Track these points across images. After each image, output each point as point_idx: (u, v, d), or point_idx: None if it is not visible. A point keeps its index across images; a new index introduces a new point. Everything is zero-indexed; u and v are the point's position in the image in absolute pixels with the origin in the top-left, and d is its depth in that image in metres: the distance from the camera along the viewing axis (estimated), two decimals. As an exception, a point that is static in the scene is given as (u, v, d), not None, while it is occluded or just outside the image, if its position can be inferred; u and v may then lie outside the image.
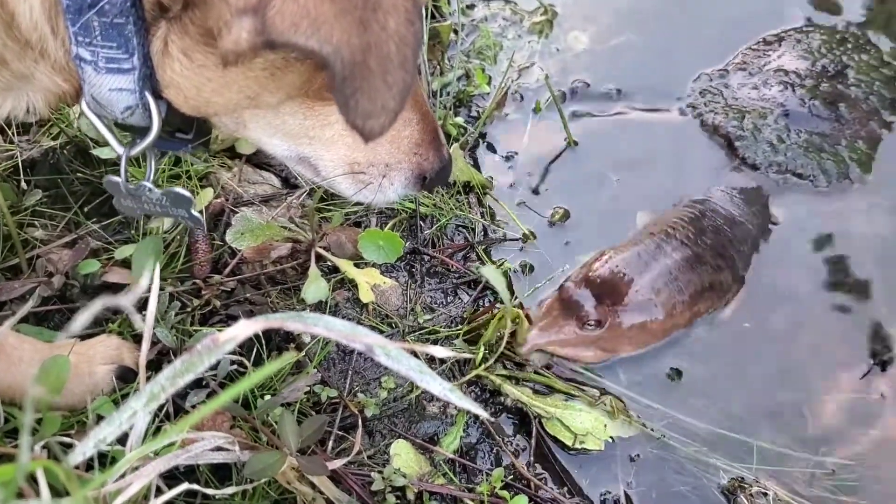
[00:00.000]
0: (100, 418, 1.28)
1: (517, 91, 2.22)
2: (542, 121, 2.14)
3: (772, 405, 1.65)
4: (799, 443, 1.59)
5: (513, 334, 1.59)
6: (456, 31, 2.34)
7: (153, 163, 1.19)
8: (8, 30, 0.92)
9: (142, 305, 1.41)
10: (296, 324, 0.78)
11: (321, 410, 1.50)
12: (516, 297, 1.72)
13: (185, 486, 1.05)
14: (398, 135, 1.24)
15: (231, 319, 1.56)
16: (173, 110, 1.03)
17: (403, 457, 1.45)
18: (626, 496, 1.51)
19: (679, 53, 2.32)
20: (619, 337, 1.63)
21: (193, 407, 1.39)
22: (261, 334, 1.52)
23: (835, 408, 1.65)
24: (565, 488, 1.50)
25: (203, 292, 1.57)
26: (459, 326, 1.68)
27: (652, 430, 1.57)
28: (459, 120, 2.09)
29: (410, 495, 1.40)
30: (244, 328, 0.74)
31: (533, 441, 1.55)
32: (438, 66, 2.21)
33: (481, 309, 1.70)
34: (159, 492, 1.08)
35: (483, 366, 1.58)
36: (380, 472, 1.41)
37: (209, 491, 1.17)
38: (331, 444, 1.46)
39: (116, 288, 1.53)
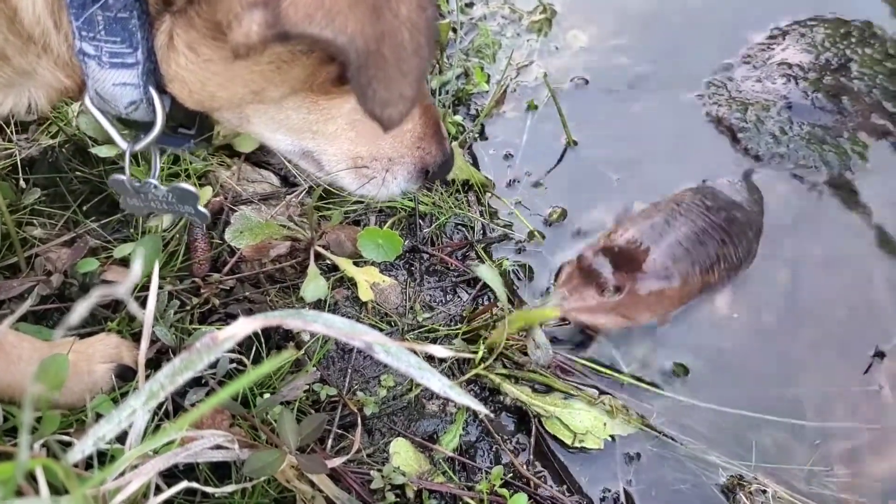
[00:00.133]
0: (99, 416, 1.28)
1: (516, 89, 2.22)
2: (542, 119, 2.14)
3: (771, 402, 1.65)
4: (798, 440, 1.59)
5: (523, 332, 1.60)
6: (455, 30, 2.34)
7: (157, 160, 1.18)
8: (10, 25, 0.91)
9: (141, 304, 1.41)
10: (295, 321, 0.78)
11: (320, 409, 1.50)
12: (516, 297, 1.72)
13: (184, 484, 1.05)
14: (401, 129, 1.23)
15: (230, 318, 1.56)
16: (177, 105, 1.02)
17: (403, 455, 1.45)
18: (626, 494, 1.51)
19: (679, 51, 2.32)
20: (638, 303, 1.66)
21: (193, 405, 1.39)
22: (260, 333, 1.52)
23: (834, 404, 1.65)
24: (565, 486, 1.50)
25: (202, 291, 1.57)
26: (459, 325, 1.68)
27: (651, 427, 1.57)
28: (458, 118, 2.09)
29: (410, 493, 1.40)
30: (243, 326, 0.74)
31: (532, 439, 1.55)
32: (437, 65, 2.21)
33: (481, 307, 1.70)
34: (158, 490, 1.09)
35: (482, 365, 1.58)
36: (379, 470, 1.41)
37: (208, 489, 1.17)
38: (330, 442, 1.46)
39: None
